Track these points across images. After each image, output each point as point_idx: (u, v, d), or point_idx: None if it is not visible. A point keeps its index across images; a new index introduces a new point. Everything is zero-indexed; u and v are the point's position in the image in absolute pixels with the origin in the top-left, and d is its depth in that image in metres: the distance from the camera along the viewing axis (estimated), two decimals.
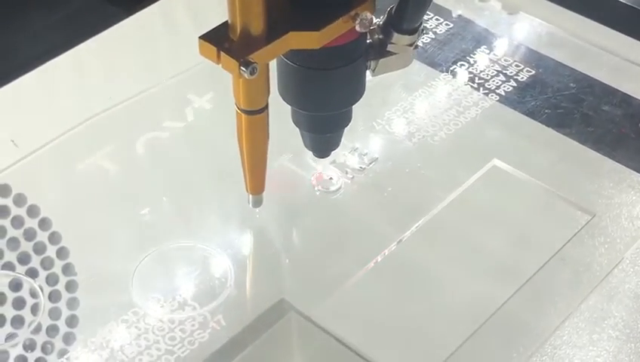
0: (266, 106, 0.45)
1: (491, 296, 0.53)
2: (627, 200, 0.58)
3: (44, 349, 0.51)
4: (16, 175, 0.59)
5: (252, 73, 0.42)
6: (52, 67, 0.63)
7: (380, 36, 0.46)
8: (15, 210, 0.57)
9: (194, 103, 0.63)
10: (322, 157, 0.51)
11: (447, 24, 0.69)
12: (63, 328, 0.52)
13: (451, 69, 0.66)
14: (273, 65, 0.46)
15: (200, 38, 0.43)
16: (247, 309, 0.53)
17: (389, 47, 0.46)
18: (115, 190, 0.59)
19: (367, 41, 0.46)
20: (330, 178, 0.59)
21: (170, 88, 0.64)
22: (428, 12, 0.70)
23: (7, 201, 0.57)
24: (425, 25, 0.69)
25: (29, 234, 0.56)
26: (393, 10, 0.45)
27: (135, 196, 0.58)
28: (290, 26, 0.43)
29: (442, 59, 0.67)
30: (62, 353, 0.51)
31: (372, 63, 0.47)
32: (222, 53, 0.42)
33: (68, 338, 0.52)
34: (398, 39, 0.46)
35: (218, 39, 0.42)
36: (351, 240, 0.56)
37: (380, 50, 0.46)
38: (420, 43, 0.67)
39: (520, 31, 0.69)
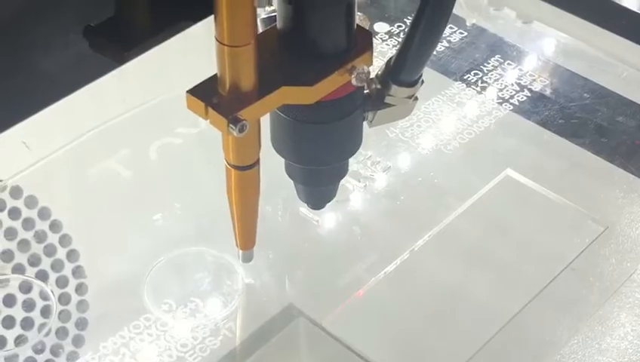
0: (257, 161, 0.43)
1: (503, 306, 0.53)
2: None
3: (53, 352, 0.51)
4: (28, 178, 0.59)
5: (241, 131, 0.39)
6: None
7: (378, 86, 0.43)
8: (26, 212, 0.57)
9: None
10: (317, 209, 0.49)
11: (461, 32, 0.69)
12: (73, 331, 0.52)
13: (465, 77, 0.66)
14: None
15: (188, 92, 0.41)
16: (258, 316, 0.53)
17: (388, 99, 0.43)
18: (127, 195, 0.59)
19: (365, 92, 0.44)
20: None
21: (184, 94, 0.64)
22: None
23: (19, 203, 0.57)
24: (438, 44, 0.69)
25: (40, 237, 0.56)
26: (392, 61, 0.43)
27: (147, 202, 0.58)
28: (283, 81, 0.40)
29: (456, 67, 0.66)
30: (71, 356, 0.51)
31: (369, 115, 0.44)
32: (210, 109, 0.40)
33: (77, 341, 0.52)
34: (397, 91, 0.43)
35: (206, 94, 0.40)
36: (363, 248, 0.56)
37: (377, 102, 0.44)
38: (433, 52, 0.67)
39: (534, 40, 0.69)
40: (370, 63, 0.42)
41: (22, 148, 0.61)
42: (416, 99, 0.44)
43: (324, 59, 0.41)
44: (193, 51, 0.67)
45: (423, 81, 0.44)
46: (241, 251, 0.46)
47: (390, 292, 0.54)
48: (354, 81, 0.42)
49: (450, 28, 0.69)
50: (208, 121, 0.40)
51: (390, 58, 0.43)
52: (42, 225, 0.57)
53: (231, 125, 0.39)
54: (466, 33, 0.69)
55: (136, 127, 0.62)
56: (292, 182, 0.48)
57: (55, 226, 0.57)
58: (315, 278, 0.55)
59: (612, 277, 0.54)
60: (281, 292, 0.54)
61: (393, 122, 0.61)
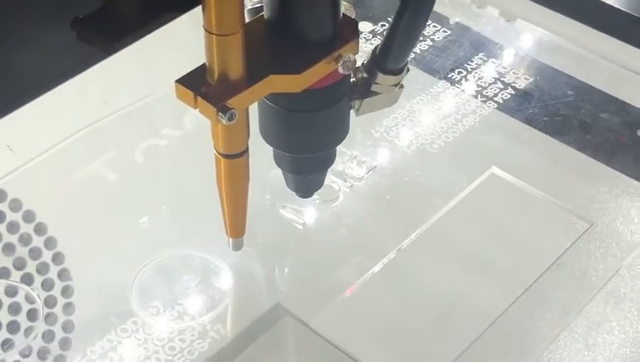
0: (247, 149, 0.43)
1: (490, 304, 0.53)
2: (625, 208, 0.58)
3: (40, 356, 0.51)
4: (13, 181, 0.59)
5: (230, 119, 0.40)
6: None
7: (365, 75, 0.44)
8: (10, 216, 0.57)
9: (192, 110, 0.63)
10: (306, 198, 0.49)
11: (444, 31, 0.69)
12: (60, 334, 0.52)
13: (449, 76, 0.66)
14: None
15: (176, 81, 0.41)
16: (245, 315, 0.53)
17: (374, 88, 0.44)
18: (113, 197, 0.58)
19: (352, 80, 0.45)
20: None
21: (169, 95, 0.64)
22: None
23: (3, 207, 0.57)
24: (422, 32, 0.69)
25: (25, 240, 0.56)
26: (377, 50, 0.44)
27: (133, 204, 0.58)
28: (271, 69, 0.41)
29: (440, 66, 0.66)
30: (58, 359, 0.51)
31: (356, 103, 0.45)
32: (199, 98, 0.40)
33: (64, 345, 0.52)
34: (383, 79, 0.44)
35: (195, 83, 0.41)
36: (349, 247, 0.56)
37: (364, 90, 0.45)
38: (417, 50, 0.68)
39: (518, 38, 0.69)
40: (356, 52, 0.43)
41: (6, 151, 0.60)
42: (402, 87, 0.45)
43: (311, 47, 0.42)
44: (178, 44, 0.67)
45: (408, 69, 0.45)
46: (231, 239, 0.47)
47: (377, 291, 0.54)
48: (340, 69, 0.42)
49: (434, 26, 0.70)
50: (197, 109, 0.41)
51: (376, 47, 0.44)
52: (27, 229, 0.56)
53: (220, 114, 0.40)
54: (449, 31, 0.69)
55: (122, 129, 0.62)
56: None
57: (40, 229, 0.57)
58: (302, 278, 0.55)
59: (598, 273, 0.54)
60: (268, 292, 0.54)
61: (379, 122, 0.63)
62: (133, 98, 0.63)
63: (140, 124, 0.62)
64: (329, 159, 0.47)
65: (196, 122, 0.62)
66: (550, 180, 0.59)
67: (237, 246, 0.47)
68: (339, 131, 0.46)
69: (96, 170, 0.60)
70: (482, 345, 0.51)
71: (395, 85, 0.45)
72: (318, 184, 0.48)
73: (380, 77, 0.44)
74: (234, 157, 0.43)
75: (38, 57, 0.70)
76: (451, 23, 0.70)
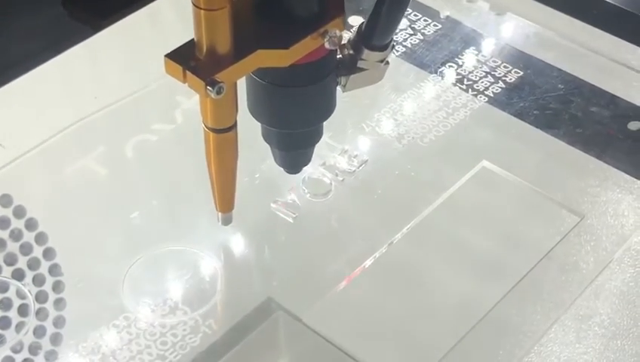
0: (235, 124, 0.44)
1: (481, 297, 0.53)
2: (615, 201, 0.58)
3: (32, 351, 0.51)
4: (3, 177, 0.59)
5: (219, 93, 0.41)
6: (39, 70, 0.63)
7: (351, 52, 0.45)
8: (1, 211, 0.57)
9: (183, 105, 0.63)
10: (294, 173, 0.50)
11: (435, 25, 0.69)
12: (51, 329, 0.52)
13: (440, 70, 0.66)
14: (242, 80, 0.44)
15: (166, 56, 0.42)
16: (237, 310, 0.53)
17: (360, 64, 0.45)
18: (104, 193, 0.58)
19: (338, 57, 0.45)
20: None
21: (159, 90, 0.64)
22: (416, 13, 0.70)
23: None
24: (413, 26, 0.69)
25: (16, 235, 0.56)
26: (363, 26, 0.45)
27: (124, 199, 0.58)
28: (258, 44, 0.42)
29: (431, 60, 0.67)
30: (49, 355, 0.51)
31: (342, 79, 0.45)
32: (188, 73, 0.41)
33: (55, 340, 0.52)
34: (369, 55, 0.45)
35: (184, 58, 0.41)
36: (341, 242, 0.56)
37: (350, 66, 0.45)
38: (408, 44, 0.68)
39: (508, 32, 0.70)
40: (342, 28, 0.43)
41: None
42: (387, 63, 0.46)
43: (298, 23, 0.42)
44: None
45: (393, 46, 0.46)
46: (220, 214, 0.47)
47: (369, 285, 0.54)
48: (327, 45, 0.43)
49: (425, 20, 0.70)
50: (186, 84, 0.41)
51: (362, 23, 0.45)
52: (18, 224, 0.56)
53: (208, 87, 0.40)
54: (440, 25, 0.69)
55: (112, 124, 0.62)
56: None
57: (31, 225, 0.56)
58: (294, 272, 0.55)
59: (588, 266, 0.55)
60: (259, 287, 0.54)
61: (370, 116, 0.63)
62: (122, 79, 0.63)
63: (130, 119, 0.62)
64: (316, 135, 0.48)
65: (187, 117, 0.62)
66: (541, 174, 0.60)
67: (226, 221, 0.47)
68: (326, 107, 0.46)
69: (87, 165, 0.60)
70: (473, 338, 0.51)
71: (381, 61, 0.45)
72: (305, 160, 0.49)
73: (366, 53, 0.45)
74: (222, 131, 0.43)
75: (25, 36, 0.70)
76: (442, 16, 0.70)
